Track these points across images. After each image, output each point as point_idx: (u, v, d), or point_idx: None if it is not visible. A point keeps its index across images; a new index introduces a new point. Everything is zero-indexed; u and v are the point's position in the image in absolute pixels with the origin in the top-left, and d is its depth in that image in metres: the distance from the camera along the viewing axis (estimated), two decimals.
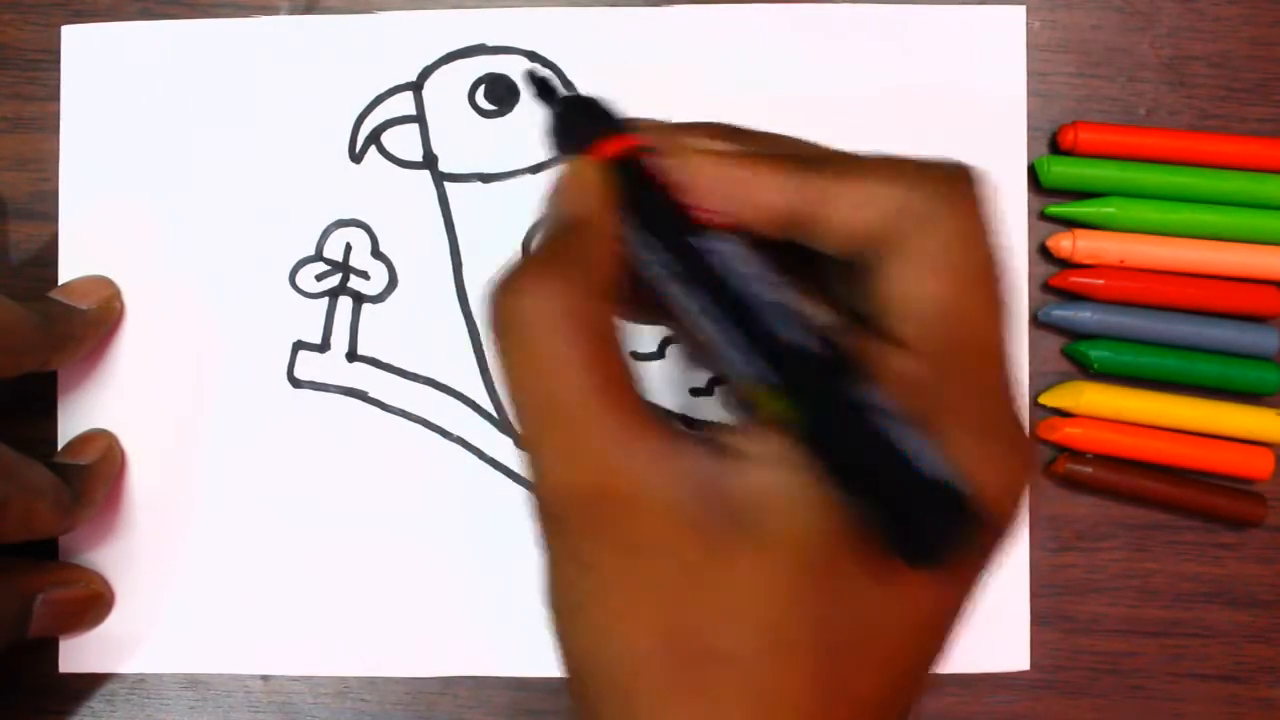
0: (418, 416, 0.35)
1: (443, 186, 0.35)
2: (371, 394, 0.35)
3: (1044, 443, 0.35)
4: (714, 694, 0.20)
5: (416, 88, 0.35)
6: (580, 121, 0.24)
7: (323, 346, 0.35)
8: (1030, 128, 0.35)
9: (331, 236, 0.35)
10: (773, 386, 0.21)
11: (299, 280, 0.35)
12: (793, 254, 0.23)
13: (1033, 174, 0.35)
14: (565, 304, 0.21)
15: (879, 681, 0.20)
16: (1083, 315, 0.34)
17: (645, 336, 0.34)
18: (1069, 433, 0.34)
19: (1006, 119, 0.35)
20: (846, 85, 0.35)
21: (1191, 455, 0.34)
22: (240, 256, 0.35)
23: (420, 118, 0.35)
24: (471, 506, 0.34)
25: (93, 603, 0.34)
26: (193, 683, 0.35)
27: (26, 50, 0.35)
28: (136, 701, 0.35)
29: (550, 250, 0.22)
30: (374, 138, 0.35)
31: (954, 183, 0.24)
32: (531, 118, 0.35)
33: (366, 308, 0.35)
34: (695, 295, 0.22)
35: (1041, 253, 0.35)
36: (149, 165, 0.35)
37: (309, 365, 0.35)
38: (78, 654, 0.35)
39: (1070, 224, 0.35)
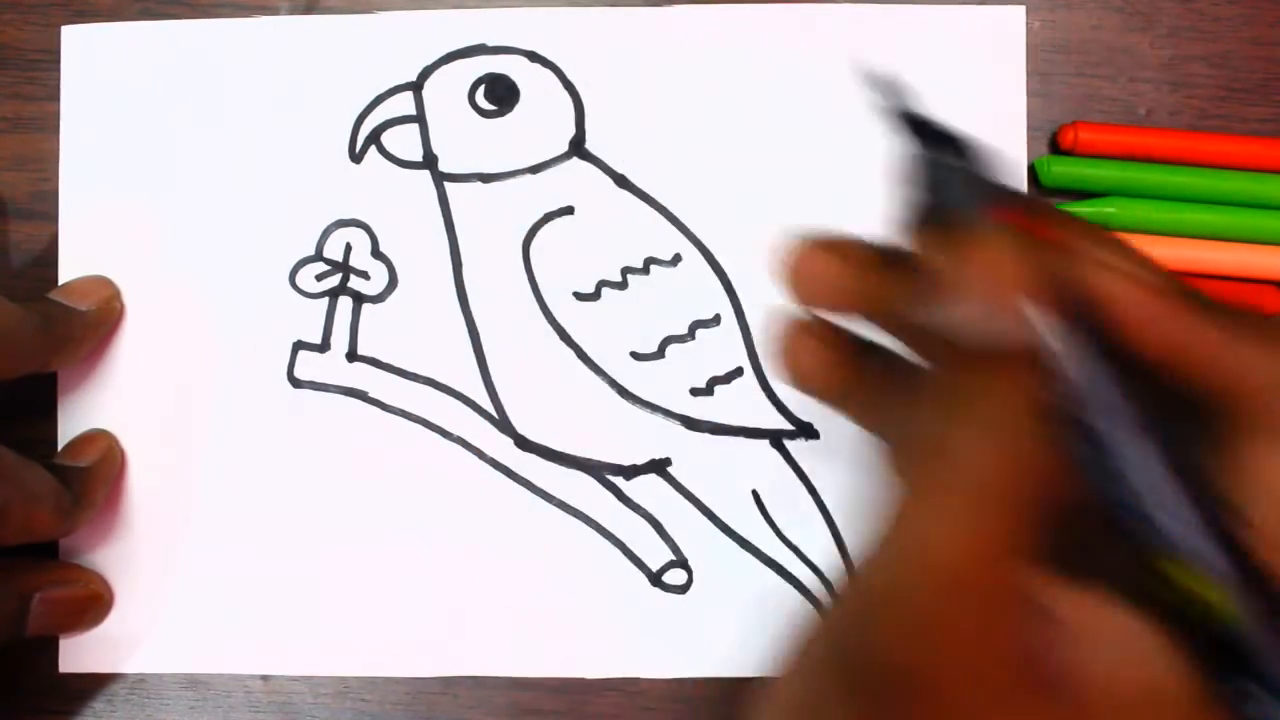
0: (418, 416, 0.35)
1: (443, 186, 0.35)
2: (371, 394, 0.35)
3: None
4: None
5: (416, 88, 0.35)
6: (964, 177, 0.19)
7: (323, 346, 0.35)
8: (1030, 128, 0.35)
9: (331, 236, 0.35)
10: (1220, 577, 0.17)
11: (299, 280, 0.35)
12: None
13: (1033, 174, 0.35)
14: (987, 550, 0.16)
15: None
16: None
17: (645, 336, 0.34)
18: None
19: (1006, 119, 0.35)
20: (846, 85, 0.35)
21: None
22: (240, 256, 0.35)
23: (420, 118, 0.35)
24: (471, 506, 0.34)
25: (91, 602, 0.34)
26: (193, 683, 0.35)
27: (26, 50, 0.35)
28: (136, 701, 0.35)
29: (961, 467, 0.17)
30: (374, 138, 0.35)
31: None
32: (531, 117, 0.35)
33: (366, 308, 0.35)
34: (1149, 451, 0.18)
35: None
36: (149, 165, 0.35)
37: (309, 365, 0.35)
38: (78, 654, 0.35)
39: None
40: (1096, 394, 0.18)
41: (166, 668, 0.35)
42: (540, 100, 0.35)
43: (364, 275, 0.35)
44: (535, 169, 0.35)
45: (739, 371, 0.35)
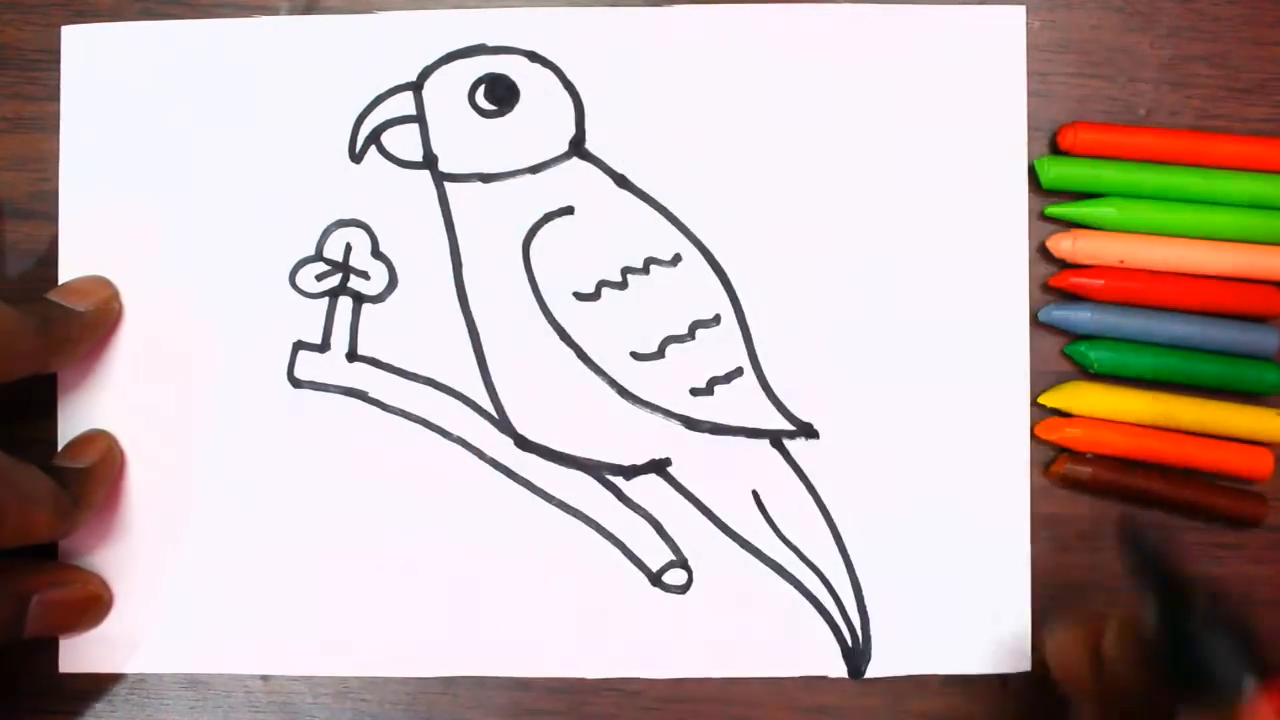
0: (418, 416, 0.35)
1: (443, 186, 0.35)
2: (371, 394, 0.35)
3: (1044, 443, 0.35)
4: None
5: (416, 88, 0.35)
6: (1231, 647, 0.20)
7: (323, 346, 0.35)
8: (1030, 128, 0.35)
9: (331, 236, 0.35)
10: None
11: (299, 280, 0.35)
12: None
13: (1033, 174, 0.35)
14: None
15: None
16: (1082, 315, 0.34)
17: (645, 336, 0.34)
18: (1069, 433, 0.34)
19: (1006, 119, 0.35)
20: (846, 85, 0.35)
21: (1191, 455, 0.34)
22: (240, 256, 0.35)
23: (420, 118, 0.35)
24: (471, 506, 0.34)
25: (89, 603, 0.34)
26: (193, 683, 0.35)
27: (26, 50, 0.35)
28: (136, 701, 0.35)
29: None
30: (374, 138, 0.35)
31: None
32: (531, 117, 0.35)
33: (366, 308, 0.35)
34: None
35: (1041, 253, 0.35)
36: (149, 165, 0.35)
37: (309, 365, 0.35)
38: (78, 654, 0.35)
39: (1070, 224, 0.35)
40: None
41: (166, 668, 0.35)
42: (540, 100, 0.35)
43: (364, 275, 0.35)
44: (535, 169, 0.35)
45: (739, 371, 0.35)
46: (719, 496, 0.35)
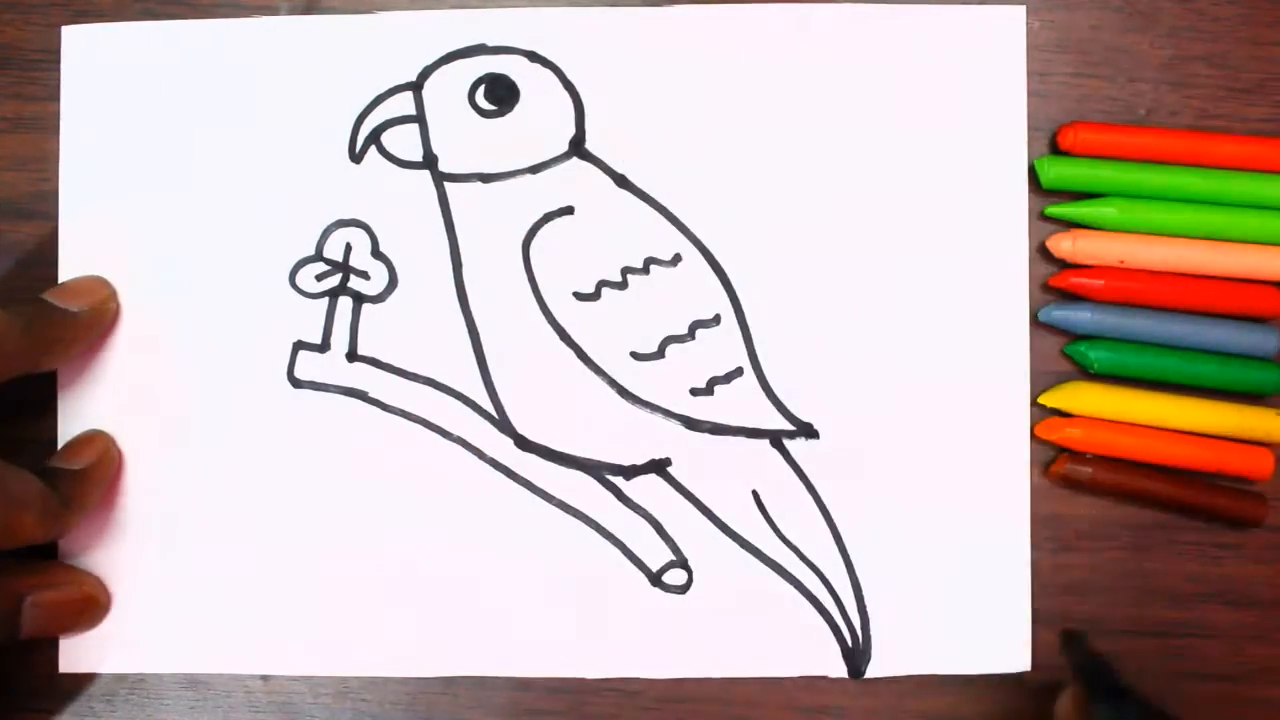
0: (418, 416, 0.35)
1: (443, 186, 0.35)
2: (371, 394, 0.35)
3: (1044, 443, 0.35)
4: None
5: (416, 88, 0.35)
6: None
7: (323, 346, 0.35)
8: (1030, 128, 0.35)
9: (331, 236, 0.35)
10: None
11: (299, 280, 0.35)
12: None
13: (1033, 174, 0.35)
14: None
15: None
16: (1082, 315, 0.34)
17: (645, 336, 0.34)
18: (1069, 433, 0.34)
19: (1006, 119, 0.35)
20: (846, 85, 0.35)
21: (1191, 455, 0.34)
22: (240, 256, 0.35)
23: (420, 118, 0.35)
24: (471, 506, 0.34)
25: (84, 604, 0.34)
26: (193, 683, 0.35)
27: (27, 50, 0.35)
28: (136, 701, 0.35)
29: None
30: (374, 138, 0.35)
31: None
32: (531, 117, 0.35)
33: (366, 308, 0.35)
34: None
35: (1041, 253, 0.35)
36: (149, 165, 0.35)
37: (309, 365, 0.35)
38: (78, 654, 0.35)
39: (1070, 224, 0.35)
40: None
41: (166, 668, 0.35)
42: (540, 100, 0.35)
43: (364, 275, 0.35)
44: (535, 169, 0.35)
45: (739, 371, 0.35)
46: (719, 496, 0.35)
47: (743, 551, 0.34)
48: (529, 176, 0.35)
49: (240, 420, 0.35)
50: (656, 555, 0.34)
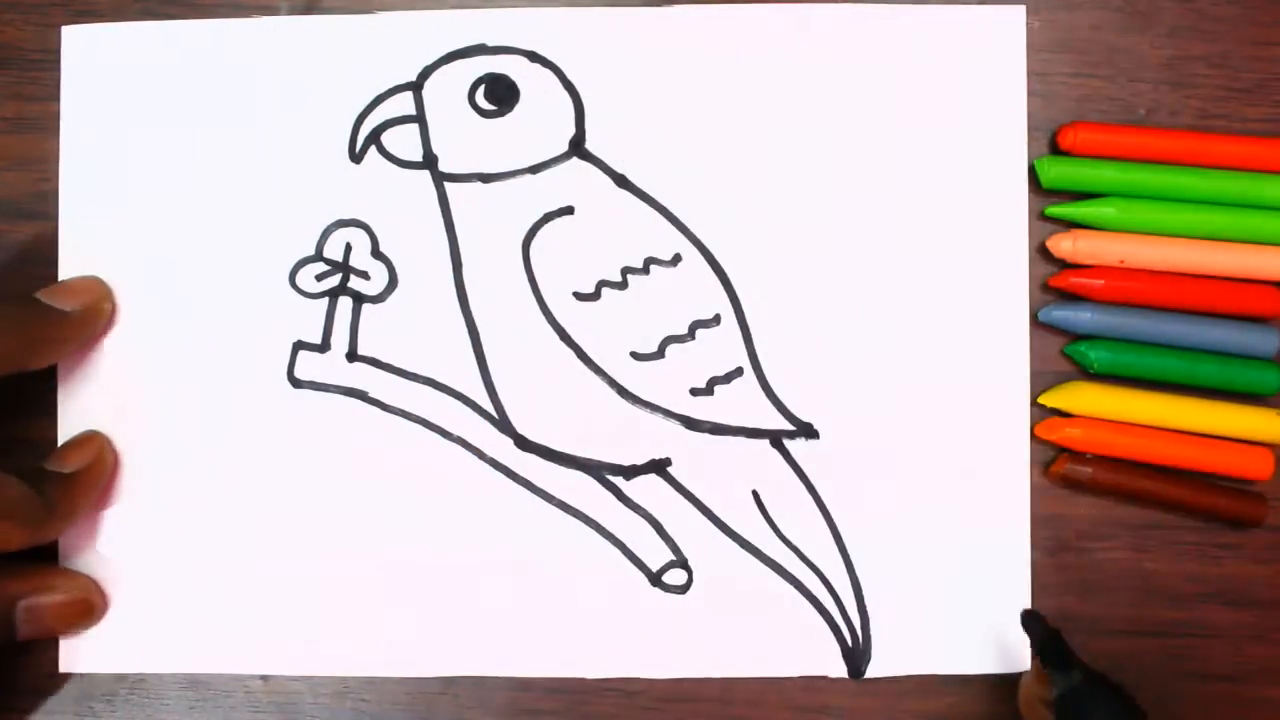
0: (418, 416, 0.35)
1: (443, 186, 0.35)
2: (371, 394, 0.35)
3: (1044, 443, 0.35)
4: None
5: (416, 88, 0.35)
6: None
7: (323, 346, 0.35)
8: (1030, 128, 0.35)
9: (331, 236, 0.35)
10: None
11: (299, 280, 0.35)
12: None
13: (1033, 174, 0.35)
14: None
15: None
16: (1082, 315, 0.34)
17: (645, 336, 0.34)
18: (1069, 433, 0.34)
19: (1006, 119, 0.35)
20: (846, 85, 0.35)
21: (1191, 455, 0.34)
22: (240, 256, 0.35)
23: (420, 118, 0.35)
24: (471, 506, 0.34)
25: (79, 608, 0.33)
26: (193, 683, 0.35)
27: (27, 50, 0.35)
28: (136, 701, 0.35)
29: None
30: (374, 138, 0.35)
31: None
32: (531, 117, 0.35)
33: (366, 308, 0.35)
34: None
35: (1041, 253, 0.35)
36: (149, 165, 0.35)
37: (309, 365, 0.35)
38: (78, 654, 0.35)
39: (1070, 224, 0.35)
40: None
41: (166, 668, 0.35)
42: (540, 100, 0.35)
43: (364, 275, 0.35)
44: (535, 169, 0.35)
45: (739, 371, 0.35)
46: (719, 496, 0.35)
47: (743, 551, 0.34)
48: (529, 176, 0.35)
49: (240, 420, 0.35)
50: (656, 555, 0.34)
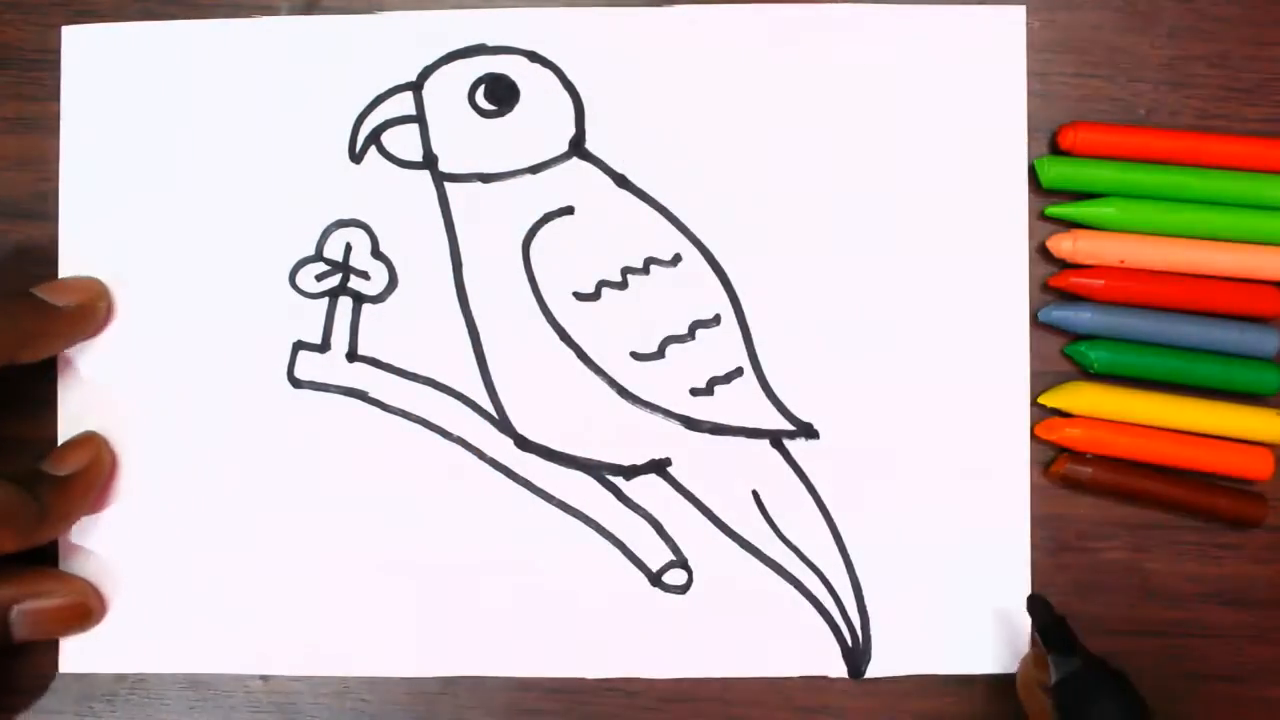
0: (418, 416, 0.35)
1: (443, 186, 0.35)
2: (371, 394, 0.35)
3: (1044, 443, 0.35)
4: None
5: (416, 88, 0.35)
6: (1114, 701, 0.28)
7: (323, 346, 0.35)
8: (1030, 128, 0.35)
9: (331, 236, 0.35)
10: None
11: (299, 280, 0.35)
12: None
13: (1033, 174, 0.35)
14: None
15: None
16: (1083, 315, 0.34)
17: (645, 336, 0.34)
18: (1069, 433, 0.34)
19: (1006, 119, 0.35)
20: (846, 85, 0.35)
21: (1191, 455, 0.34)
22: (240, 256, 0.35)
23: (420, 118, 0.35)
24: (471, 506, 0.34)
25: (75, 612, 0.33)
26: (193, 683, 0.35)
27: (27, 50, 0.35)
28: (136, 701, 0.35)
29: None
30: (374, 138, 0.35)
31: None
32: (531, 117, 0.35)
33: (366, 308, 0.35)
34: None
35: (1041, 253, 0.35)
36: (149, 165, 0.35)
37: (309, 365, 0.35)
38: (78, 654, 0.35)
39: (1070, 224, 0.35)
40: None
41: (166, 668, 0.35)
42: (540, 100, 0.35)
43: (364, 275, 0.35)
44: (535, 169, 0.35)
45: (739, 371, 0.35)
46: (719, 496, 0.35)
47: (743, 551, 0.34)
48: (529, 176, 0.35)
49: (240, 420, 0.35)
50: (656, 555, 0.34)
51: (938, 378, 0.34)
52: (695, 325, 0.35)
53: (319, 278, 0.35)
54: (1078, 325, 0.34)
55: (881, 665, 0.34)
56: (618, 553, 0.34)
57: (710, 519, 0.34)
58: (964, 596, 0.34)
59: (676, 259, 0.35)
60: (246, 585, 0.34)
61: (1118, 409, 0.34)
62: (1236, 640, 0.35)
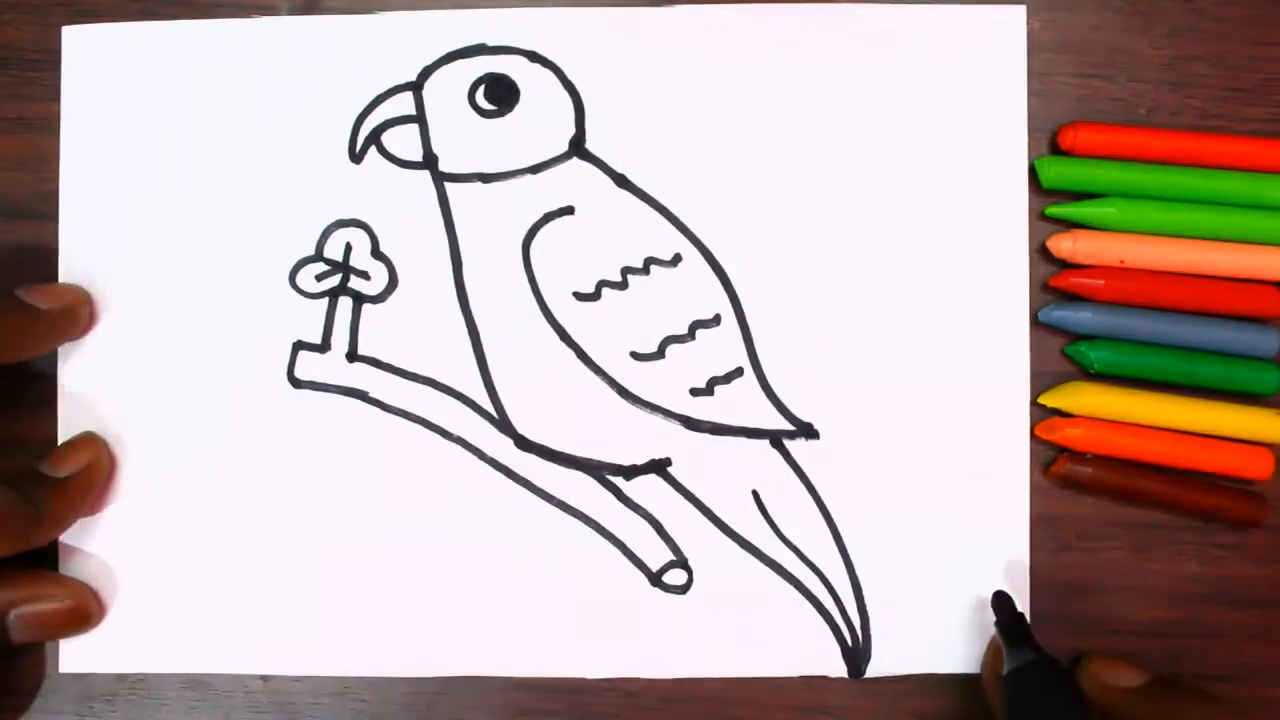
0: (418, 416, 0.35)
1: (443, 186, 0.35)
2: (371, 394, 0.35)
3: (1044, 443, 0.35)
4: None
5: (416, 88, 0.35)
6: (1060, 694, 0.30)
7: (323, 346, 0.35)
8: (1030, 128, 0.35)
9: (331, 236, 0.35)
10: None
11: (299, 280, 0.35)
12: None
13: (1033, 174, 0.35)
14: None
15: None
16: (1083, 315, 0.34)
17: (645, 336, 0.34)
18: (1069, 433, 0.34)
19: (1006, 119, 0.35)
20: (846, 85, 0.35)
21: (1191, 455, 0.34)
22: (240, 256, 0.35)
23: (420, 118, 0.35)
24: (471, 506, 0.34)
25: (73, 615, 0.33)
26: (193, 683, 0.35)
27: (27, 50, 0.35)
28: (136, 701, 0.35)
29: None
30: (374, 138, 0.35)
31: None
32: (531, 117, 0.35)
33: (366, 308, 0.35)
34: None
35: (1041, 253, 0.35)
36: (149, 165, 0.35)
37: (309, 365, 0.35)
38: (77, 654, 0.35)
39: (1070, 224, 0.35)
40: None
41: (166, 668, 0.35)
42: (540, 100, 0.35)
43: (364, 275, 0.35)
44: (535, 169, 0.35)
45: (739, 371, 0.35)
46: (719, 496, 0.35)
47: (743, 551, 0.34)
48: (529, 176, 0.35)
49: (240, 420, 0.35)
50: (656, 555, 0.34)
51: (938, 378, 0.34)
52: (695, 325, 0.35)
53: (319, 278, 0.35)
54: (1078, 325, 0.34)
55: (881, 665, 0.34)
56: (618, 553, 0.34)
57: (710, 519, 0.34)
58: (964, 597, 0.34)
59: (676, 259, 0.35)
60: (246, 585, 0.34)
61: (1118, 409, 0.34)
62: (1236, 640, 0.35)
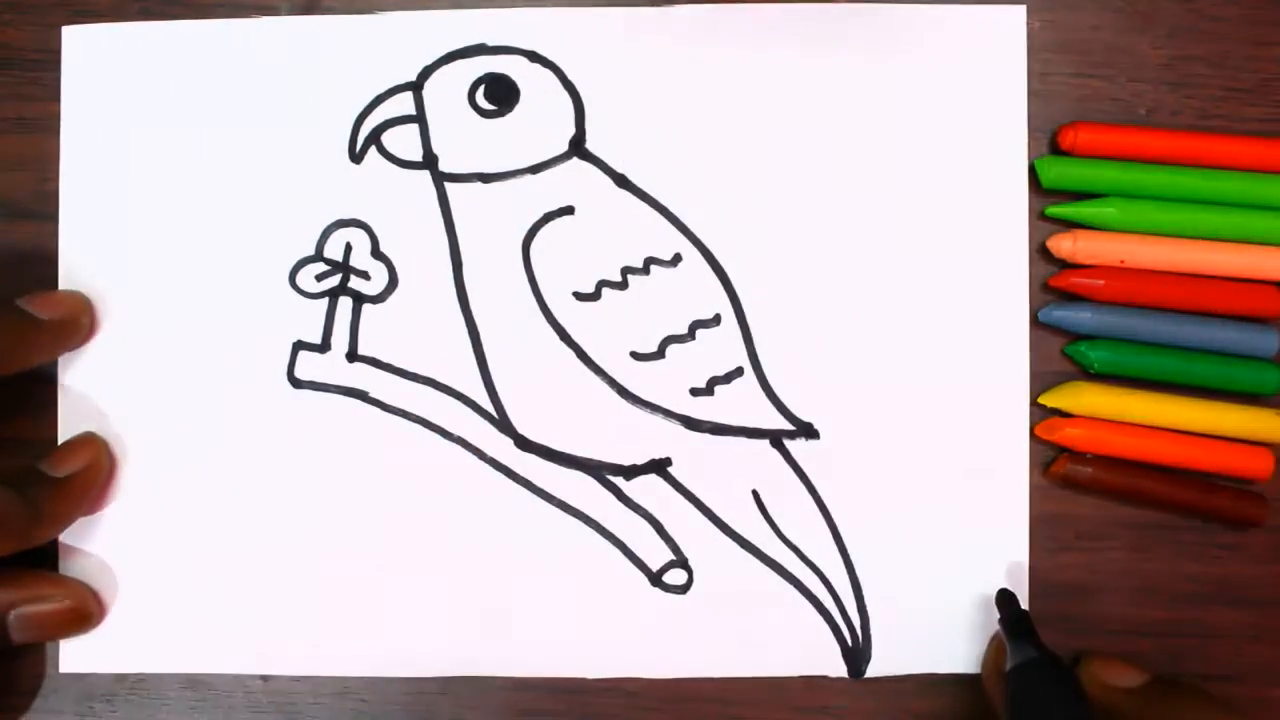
0: (418, 416, 0.35)
1: (443, 186, 0.35)
2: (371, 394, 0.35)
3: (1044, 443, 0.35)
4: None
5: (416, 88, 0.35)
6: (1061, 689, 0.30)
7: (323, 346, 0.35)
8: (1030, 128, 0.35)
9: (331, 236, 0.35)
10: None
11: (299, 280, 0.35)
12: None
13: (1033, 174, 0.35)
14: None
15: None
16: (1083, 315, 0.34)
17: (645, 336, 0.34)
18: (1069, 433, 0.34)
19: (1006, 119, 0.35)
20: (846, 85, 0.35)
21: (1191, 455, 0.34)
22: (240, 256, 0.35)
23: (420, 118, 0.35)
24: (471, 506, 0.34)
25: (72, 616, 0.33)
26: (193, 683, 0.35)
27: (27, 50, 0.35)
28: (136, 701, 0.35)
29: None
30: (374, 138, 0.35)
31: None
32: (531, 117, 0.35)
33: (366, 308, 0.35)
34: None
35: (1041, 253, 0.35)
36: (149, 165, 0.35)
37: (309, 365, 0.35)
38: (77, 654, 0.35)
39: (1070, 224, 0.35)
40: None
41: (166, 668, 0.35)
42: (540, 100, 0.35)
43: (364, 275, 0.35)
44: (535, 169, 0.35)
45: (739, 371, 0.35)
46: (719, 496, 0.35)
47: (743, 551, 0.34)
48: (529, 176, 0.35)
49: (240, 420, 0.35)
50: (656, 555, 0.34)
51: (938, 378, 0.34)
52: (695, 325, 0.35)
53: (319, 278, 0.35)
54: (1078, 325, 0.34)
55: (881, 665, 0.34)
56: (618, 553, 0.34)
57: (710, 519, 0.34)
58: (964, 596, 0.34)
59: (676, 259, 0.35)
60: (246, 585, 0.34)
61: (1118, 409, 0.34)
62: (1236, 640, 0.35)
